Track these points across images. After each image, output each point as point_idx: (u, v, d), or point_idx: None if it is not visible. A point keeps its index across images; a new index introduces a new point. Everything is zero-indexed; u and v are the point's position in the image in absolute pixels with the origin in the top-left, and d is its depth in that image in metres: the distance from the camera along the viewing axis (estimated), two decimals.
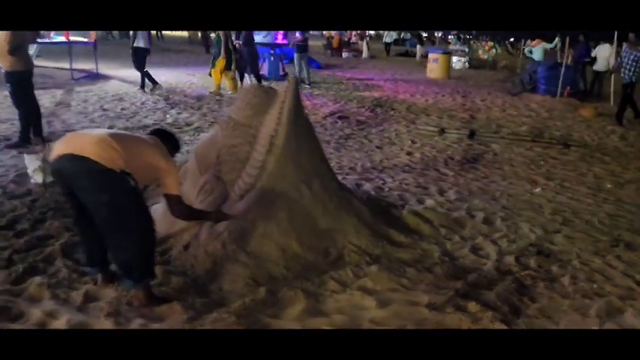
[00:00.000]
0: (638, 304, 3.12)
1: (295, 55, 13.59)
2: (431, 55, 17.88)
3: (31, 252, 3.38)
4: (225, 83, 11.11)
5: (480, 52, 26.25)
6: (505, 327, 2.75)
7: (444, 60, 17.48)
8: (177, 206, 2.96)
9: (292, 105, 3.65)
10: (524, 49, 18.13)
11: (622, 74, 9.78)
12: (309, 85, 13.52)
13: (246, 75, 12.51)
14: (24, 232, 3.67)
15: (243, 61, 12.03)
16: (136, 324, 2.62)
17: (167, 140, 3.09)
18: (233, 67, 11.05)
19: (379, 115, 9.56)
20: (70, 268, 3.17)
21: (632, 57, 9.50)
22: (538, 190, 5.33)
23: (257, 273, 3.19)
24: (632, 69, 9.50)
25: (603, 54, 13.48)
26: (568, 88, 12.84)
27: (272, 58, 14.72)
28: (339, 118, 8.98)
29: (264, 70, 14.92)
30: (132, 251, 2.72)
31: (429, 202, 4.79)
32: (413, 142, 7.33)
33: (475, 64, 23.77)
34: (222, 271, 3.19)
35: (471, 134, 7.83)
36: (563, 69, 12.70)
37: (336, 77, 15.86)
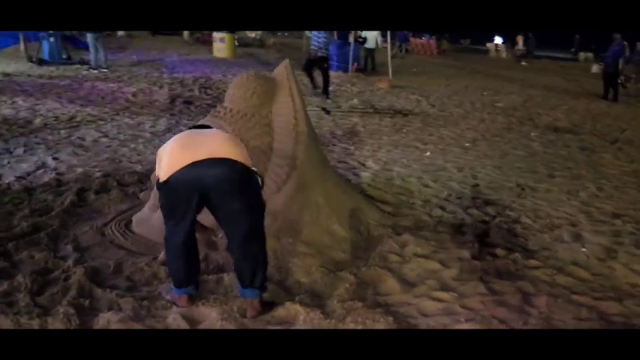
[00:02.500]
0: (582, 227, 4.16)
1: (89, 36, 12.16)
2: (217, 35, 17.84)
3: (49, 291, 2.75)
4: None
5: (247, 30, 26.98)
6: (537, 263, 3.42)
7: (230, 39, 17.66)
8: None
9: (298, 90, 3.67)
10: None
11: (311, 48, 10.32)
12: (106, 69, 12.30)
13: None
14: (7, 272, 2.91)
15: None
16: None
17: None
18: None
19: (219, 97, 9.43)
20: (127, 296, 2.72)
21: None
22: (428, 154, 6.24)
23: (322, 260, 3.23)
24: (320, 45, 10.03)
25: (372, 34, 15.57)
26: (356, 64, 14.53)
27: (52, 39, 12.86)
28: (185, 103, 8.62)
29: (43, 53, 13.00)
30: (260, 257, 2.56)
31: (364, 174, 5.22)
32: None
33: (243, 42, 24.43)
34: (289, 265, 3.13)
35: (327, 111, 8.44)
36: (352, 47, 14.26)
37: (122, 60, 14.66)
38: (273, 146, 3.50)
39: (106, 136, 6.08)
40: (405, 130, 7.48)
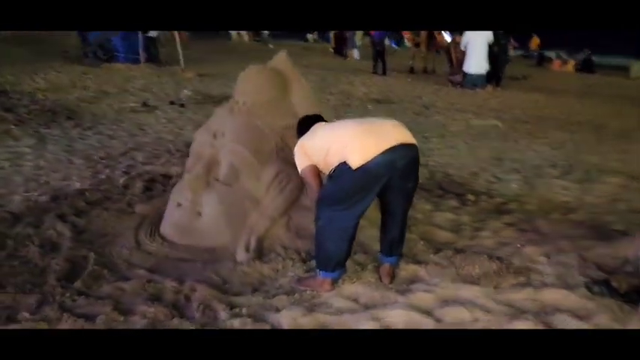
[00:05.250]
0: (491, 171, 5.35)
1: None
2: None
3: (191, 314, 2.57)
4: None
5: None
6: (501, 200, 4.41)
7: None
8: None
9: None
10: None
11: None
12: None
13: None
14: (120, 308, 2.57)
15: None
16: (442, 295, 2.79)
17: None
18: None
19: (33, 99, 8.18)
20: (270, 297, 2.73)
21: None
22: None
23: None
24: None
25: None
26: (145, 55, 13.84)
27: None
28: (7, 110, 7.29)
29: None
30: (405, 227, 2.89)
31: None
32: (140, 126, 7.01)
33: None
34: (362, 239, 3.40)
35: (180, 104, 8.19)
36: (140, 37, 13.53)
37: None
38: None
39: None
40: None
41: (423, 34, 15.74)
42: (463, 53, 12.45)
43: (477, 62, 12.19)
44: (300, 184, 3.53)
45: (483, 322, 2.51)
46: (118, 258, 3.13)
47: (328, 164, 2.70)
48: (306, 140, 2.82)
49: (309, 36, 38.32)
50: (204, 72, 13.02)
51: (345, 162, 2.54)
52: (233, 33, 36.77)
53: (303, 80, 3.84)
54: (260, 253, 3.24)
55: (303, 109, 3.71)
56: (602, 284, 2.82)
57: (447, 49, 13.26)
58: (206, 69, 13.74)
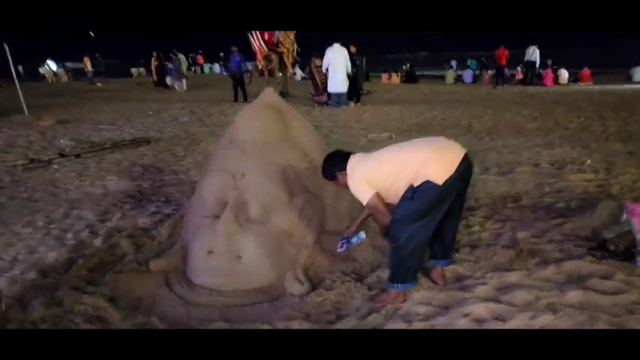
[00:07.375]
0: None
1: None
2: None
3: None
4: None
5: None
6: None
7: None
8: None
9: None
10: None
11: None
12: None
13: None
14: None
15: None
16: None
17: None
18: None
19: None
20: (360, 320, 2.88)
21: None
22: None
23: None
24: None
25: None
26: None
27: None
28: None
29: None
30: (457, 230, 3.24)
31: None
32: (53, 183, 6.37)
33: None
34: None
35: (77, 155, 7.51)
36: None
37: None
38: (314, 165, 3.81)
39: None
40: (184, 154, 7.65)
41: (276, 60, 16.36)
42: (325, 75, 13.28)
43: (338, 82, 13.10)
44: (322, 210, 3.70)
45: (545, 298, 2.95)
46: (181, 317, 2.97)
47: (393, 188, 2.93)
48: (365, 171, 2.99)
49: (134, 70, 36.79)
50: (59, 118, 11.90)
51: (428, 180, 2.78)
52: (48, 74, 33.56)
53: (297, 113, 3.99)
54: (312, 282, 3.33)
55: (306, 141, 3.90)
56: (602, 249, 3.47)
57: (310, 72, 13.99)
58: (57, 115, 12.56)
